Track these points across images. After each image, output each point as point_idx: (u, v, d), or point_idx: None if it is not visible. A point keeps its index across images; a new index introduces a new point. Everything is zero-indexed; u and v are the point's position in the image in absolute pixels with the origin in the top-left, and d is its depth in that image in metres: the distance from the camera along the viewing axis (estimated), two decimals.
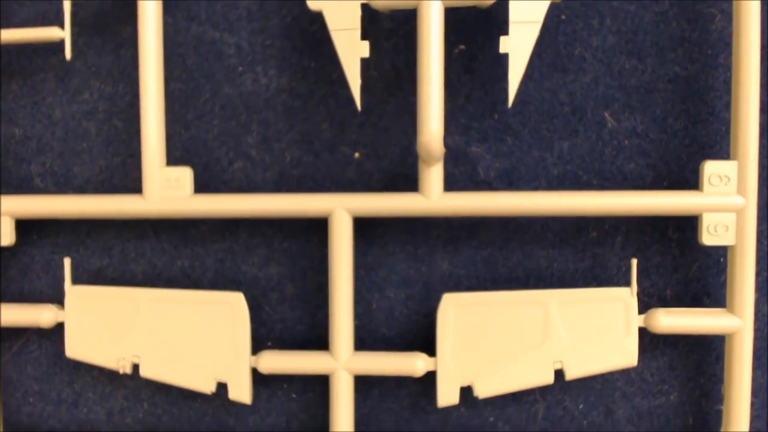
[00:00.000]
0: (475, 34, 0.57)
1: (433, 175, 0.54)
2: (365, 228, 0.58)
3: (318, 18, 0.54)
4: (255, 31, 0.59)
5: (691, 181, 0.56)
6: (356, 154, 0.58)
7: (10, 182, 0.61)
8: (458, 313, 0.54)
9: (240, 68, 0.59)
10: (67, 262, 0.58)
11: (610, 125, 0.56)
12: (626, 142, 0.56)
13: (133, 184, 0.59)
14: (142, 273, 0.60)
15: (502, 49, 0.52)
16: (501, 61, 0.57)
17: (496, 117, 0.57)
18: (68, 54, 0.56)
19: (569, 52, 0.57)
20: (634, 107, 0.56)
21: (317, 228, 0.58)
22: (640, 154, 0.56)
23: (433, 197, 0.54)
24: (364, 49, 0.53)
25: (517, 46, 0.52)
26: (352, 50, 0.53)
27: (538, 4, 0.52)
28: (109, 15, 0.60)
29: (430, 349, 0.56)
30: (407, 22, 0.57)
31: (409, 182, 0.57)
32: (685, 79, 0.56)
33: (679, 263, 0.57)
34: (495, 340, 0.54)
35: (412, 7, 0.52)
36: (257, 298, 0.59)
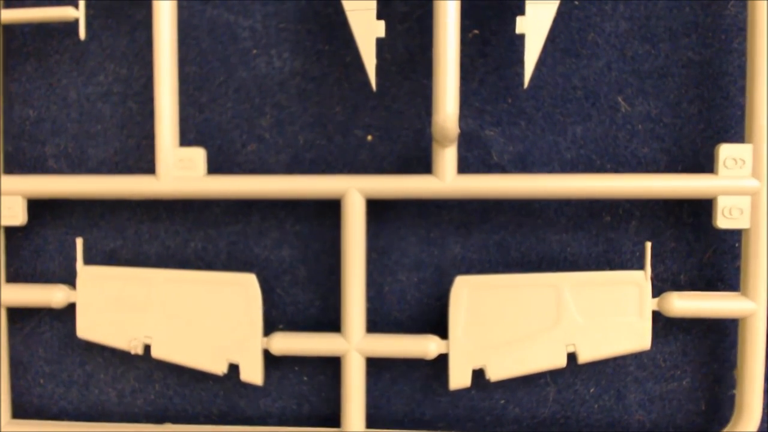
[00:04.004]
0: (488, 19, 0.57)
1: (447, 157, 0.54)
2: (378, 211, 0.58)
3: (332, 1, 0.54)
4: (269, 15, 0.59)
5: (705, 166, 0.56)
6: (369, 137, 0.58)
7: (25, 163, 0.61)
8: (471, 295, 0.54)
9: (254, 51, 0.59)
10: (79, 242, 0.58)
11: (623, 110, 0.56)
12: (640, 126, 0.56)
13: (147, 166, 0.60)
14: (155, 254, 0.60)
15: (518, 30, 0.52)
16: (514, 46, 0.57)
17: (509, 101, 0.57)
18: (82, 34, 0.57)
19: (582, 37, 0.57)
20: (648, 92, 0.56)
21: (329, 211, 0.58)
22: (654, 139, 0.56)
23: (447, 179, 0.54)
24: (379, 29, 0.53)
25: (534, 25, 0.52)
26: (367, 30, 0.53)
27: None
28: None
29: (441, 332, 0.56)
30: (421, 5, 0.57)
31: (421, 165, 0.57)
32: (699, 63, 0.56)
33: (693, 248, 0.57)
34: (507, 322, 0.54)
35: None
36: (269, 280, 0.59)
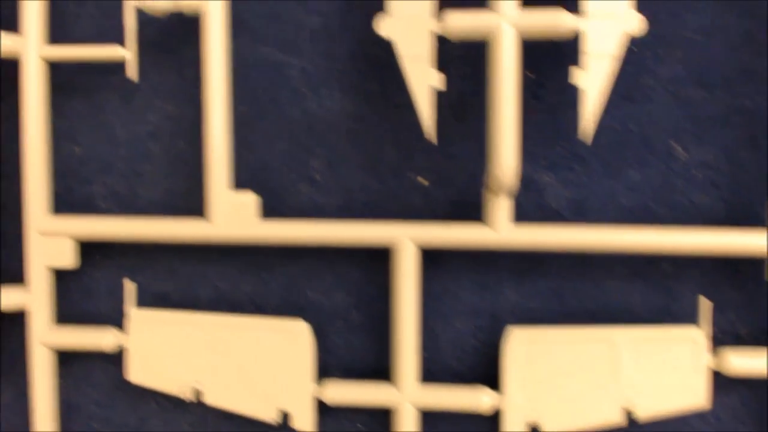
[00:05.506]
0: (543, 62, 0.56)
1: (502, 207, 0.53)
2: (431, 255, 0.57)
3: (383, 42, 0.54)
4: (320, 54, 0.58)
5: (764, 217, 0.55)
6: (422, 180, 0.58)
7: (72, 202, 0.61)
8: (524, 348, 0.54)
9: (305, 91, 0.59)
10: (130, 285, 0.58)
11: (680, 156, 0.56)
12: (697, 174, 0.56)
13: (196, 206, 0.59)
14: (206, 297, 0.60)
15: (573, 81, 0.51)
16: (568, 89, 0.56)
17: (564, 145, 0.57)
18: (134, 75, 0.57)
19: (637, 81, 0.56)
20: (704, 139, 0.56)
21: (384, 255, 0.57)
22: (713, 187, 0.56)
23: (501, 230, 0.54)
24: (437, 78, 0.52)
25: (590, 78, 0.51)
26: (423, 80, 0.52)
27: (613, 36, 0.51)
28: (171, 34, 0.59)
29: (497, 382, 0.56)
30: (474, 47, 0.56)
31: (476, 209, 0.57)
32: (755, 112, 0.55)
33: (754, 299, 0.56)
34: (562, 377, 0.54)
35: (485, 38, 0.51)
36: (323, 325, 0.59)
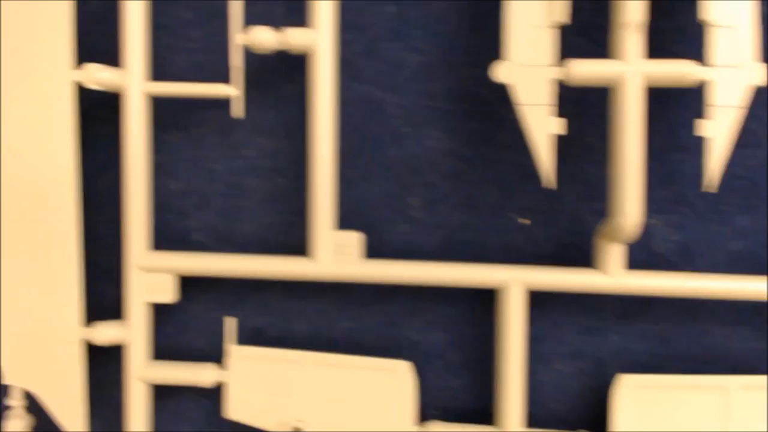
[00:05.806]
0: (649, 104, 0.55)
1: (616, 253, 0.53)
2: (534, 294, 0.57)
3: (484, 80, 0.53)
4: (420, 93, 0.58)
5: None
6: (523, 220, 0.58)
7: (169, 236, 0.60)
8: (633, 395, 0.54)
9: (404, 129, 0.58)
10: (231, 321, 0.58)
11: None
12: None
13: (295, 243, 0.59)
14: (302, 333, 0.60)
15: (699, 132, 0.51)
16: (676, 132, 0.56)
17: (671, 188, 0.56)
18: (240, 113, 0.56)
19: (744, 126, 0.55)
20: None
21: (484, 294, 0.57)
22: None
23: (613, 275, 0.53)
24: (557, 125, 0.52)
25: (717, 129, 0.51)
26: (542, 127, 0.52)
27: (739, 87, 0.51)
28: (271, 70, 0.59)
29: (600, 427, 0.55)
30: (576, 89, 0.55)
31: (578, 249, 0.57)
32: None
33: None
34: (672, 424, 0.54)
35: (607, 86, 0.51)
36: (421, 364, 0.59)
